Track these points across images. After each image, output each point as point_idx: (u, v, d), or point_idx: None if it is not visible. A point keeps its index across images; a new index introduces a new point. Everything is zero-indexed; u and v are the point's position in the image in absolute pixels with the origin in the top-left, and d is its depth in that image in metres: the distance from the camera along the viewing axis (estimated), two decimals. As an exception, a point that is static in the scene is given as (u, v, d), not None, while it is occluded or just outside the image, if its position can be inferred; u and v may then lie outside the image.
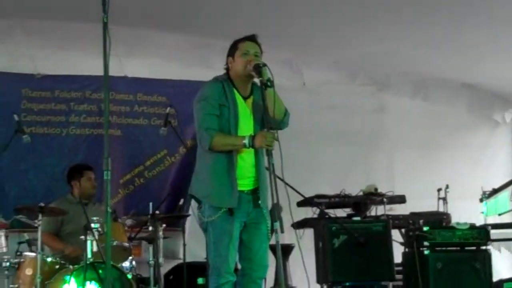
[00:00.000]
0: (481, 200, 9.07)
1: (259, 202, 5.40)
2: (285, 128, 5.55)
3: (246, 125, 5.42)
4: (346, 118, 9.87)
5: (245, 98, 5.48)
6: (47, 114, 8.80)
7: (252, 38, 5.51)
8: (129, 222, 7.58)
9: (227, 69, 5.54)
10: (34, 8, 8.03)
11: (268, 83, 5.20)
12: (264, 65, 5.29)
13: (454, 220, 8.20)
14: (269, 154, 5.10)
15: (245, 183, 5.40)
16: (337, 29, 8.67)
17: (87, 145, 8.87)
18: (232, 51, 5.53)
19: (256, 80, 5.40)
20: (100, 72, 8.45)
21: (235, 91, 5.46)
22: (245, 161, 5.39)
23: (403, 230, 8.33)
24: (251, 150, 5.32)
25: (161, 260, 7.17)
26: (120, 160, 8.66)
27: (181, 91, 9.01)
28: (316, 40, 9.08)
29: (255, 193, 5.41)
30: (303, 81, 9.83)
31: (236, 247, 5.38)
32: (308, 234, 7.96)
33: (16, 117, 7.54)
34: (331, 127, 9.77)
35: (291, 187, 5.92)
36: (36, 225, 6.85)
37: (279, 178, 5.23)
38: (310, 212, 8.22)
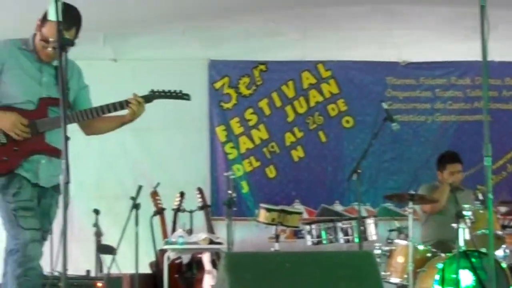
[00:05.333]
0: None
1: None
2: None
3: None
4: None
5: None
6: (412, 102, 8.82)
7: None
8: (503, 209, 7.28)
9: None
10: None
11: None
12: None
13: None
14: None
15: None
16: None
17: (453, 132, 8.81)
18: None
19: None
20: (464, 57, 8.43)
21: None
22: None
23: None
24: None
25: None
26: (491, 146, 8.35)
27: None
28: None
29: None
30: None
31: None
32: None
33: (385, 105, 7.52)
34: None
35: None
36: (406, 212, 6.83)
37: None
38: None
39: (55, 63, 4.76)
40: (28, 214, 4.59)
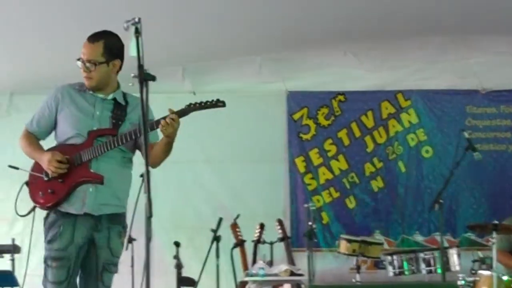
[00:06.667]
0: None
1: None
2: None
3: None
4: None
5: None
6: (492, 131, 8.68)
7: None
8: None
9: None
10: (477, 24, 7.91)
11: None
12: None
13: None
14: None
15: None
16: None
17: (532, 160, 8.65)
18: None
19: None
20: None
21: None
22: None
23: None
24: None
25: None
26: None
27: None
28: None
29: None
30: None
31: None
32: None
33: (466, 134, 7.47)
34: None
35: None
36: (489, 243, 6.76)
37: None
38: None
39: (110, 96, 4.87)
40: (55, 264, 4.67)
